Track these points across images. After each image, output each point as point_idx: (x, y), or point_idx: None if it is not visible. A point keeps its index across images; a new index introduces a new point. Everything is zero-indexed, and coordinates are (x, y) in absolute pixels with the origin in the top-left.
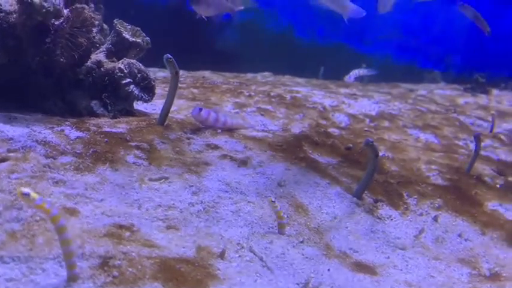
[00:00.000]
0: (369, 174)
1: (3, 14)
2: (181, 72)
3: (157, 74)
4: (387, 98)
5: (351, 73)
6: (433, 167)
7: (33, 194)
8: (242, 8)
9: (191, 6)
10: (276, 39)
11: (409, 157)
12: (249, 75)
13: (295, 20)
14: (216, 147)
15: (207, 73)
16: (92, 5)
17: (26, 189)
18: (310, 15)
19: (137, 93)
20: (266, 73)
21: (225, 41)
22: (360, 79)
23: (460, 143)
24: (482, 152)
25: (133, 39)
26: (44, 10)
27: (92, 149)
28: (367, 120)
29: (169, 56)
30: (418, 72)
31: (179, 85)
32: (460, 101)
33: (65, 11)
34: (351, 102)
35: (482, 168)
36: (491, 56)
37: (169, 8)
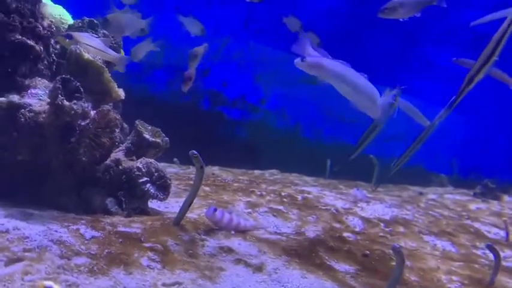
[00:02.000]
0: (393, 282)
1: (32, 114)
2: (191, 169)
3: (167, 170)
4: (399, 201)
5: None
6: (454, 278)
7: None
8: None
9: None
10: (284, 138)
11: (428, 266)
12: (257, 172)
13: (302, 119)
14: (229, 250)
15: (215, 169)
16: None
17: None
18: (316, 115)
19: (153, 191)
20: (274, 171)
21: (235, 138)
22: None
23: (479, 252)
24: (503, 263)
25: (153, 140)
26: (73, 112)
27: (106, 250)
28: (382, 224)
29: (195, 152)
30: (425, 175)
31: (191, 183)
32: (472, 206)
33: (92, 112)
34: (364, 206)
35: (506, 281)
36: (498, 160)
37: (185, 105)
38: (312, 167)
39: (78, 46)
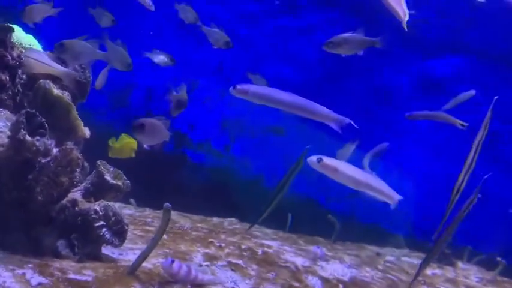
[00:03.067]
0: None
1: None
2: (147, 211)
3: (123, 211)
4: (357, 262)
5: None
6: None
7: None
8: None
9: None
10: (245, 187)
11: None
12: (216, 220)
13: (265, 169)
14: None
15: (174, 214)
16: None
17: None
18: (279, 166)
19: (108, 237)
20: (233, 219)
21: (196, 182)
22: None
23: None
24: None
25: (114, 182)
26: (35, 148)
27: None
28: (341, 286)
29: (169, 205)
30: (382, 234)
31: (147, 228)
32: (428, 272)
33: (54, 150)
34: (323, 264)
35: None
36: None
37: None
38: (272, 218)
39: (48, 81)
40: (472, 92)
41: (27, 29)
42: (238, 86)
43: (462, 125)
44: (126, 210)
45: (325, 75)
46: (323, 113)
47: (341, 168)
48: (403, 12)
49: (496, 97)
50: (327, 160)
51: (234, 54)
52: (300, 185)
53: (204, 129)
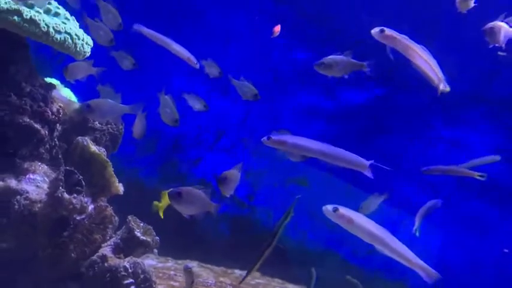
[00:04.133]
0: None
1: (28, 201)
2: (170, 262)
3: (146, 262)
4: None
5: None
6: None
7: None
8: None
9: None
10: (267, 237)
11: None
12: (237, 272)
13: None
14: None
15: (194, 265)
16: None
17: None
18: (303, 217)
19: None
20: (255, 273)
21: (218, 232)
22: None
23: None
24: None
25: (144, 238)
26: (72, 207)
27: None
28: None
29: (189, 266)
30: None
31: (172, 284)
32: None
33: (90, 207)
34: None
35: None
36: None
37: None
38: (295, 272)
39: (86, 138)
40: (497, 158)
41: (63, 81)
42: (274, 137)
43: (481, 177)
44: (148, 261)
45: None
46: (357, 161)
47: (357, 220)
48: (437, 80)
49: None
50: (342, 210)
51: (259, 105)
52: (320, 237)
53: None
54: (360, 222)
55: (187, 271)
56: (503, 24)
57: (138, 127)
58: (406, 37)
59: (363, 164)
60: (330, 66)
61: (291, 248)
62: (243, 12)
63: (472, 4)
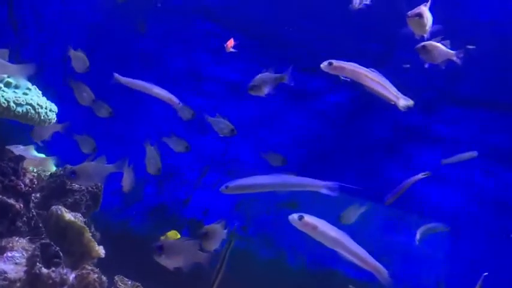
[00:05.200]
0: None
1: (7, 282)
2: None
3: None
4: None
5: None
6: None
7: None
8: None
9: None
10: (268, 267)
11: None
12: None
13: (286, 246)
14: None
15: None
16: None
17: None
18: (300, 241)
19: None
20: None
21: (207, 265)
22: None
23: None
24: None
25: None
26: (51, 281)
27: None
28: None
29: None
30: None
31: None
32: None
33: (71, 278)
34: None
35: None
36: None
37: None
38: None
39: (60, 207)
40: (474, 154)
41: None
42: (230, 184)
43: (425, 175)
44: None
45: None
46: (313, 184)
47: (321, 227)
48: (394, 97)
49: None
50: (307, 218)
51: (238, 137)
52: (320, 258)
53: (218, 213)
54: (323, 229)
55: None
56: (437, 44)
57: (127, 181)
58: (354, 64)
59: (318, 185)
60: (259, 87)
61: (293, 273)
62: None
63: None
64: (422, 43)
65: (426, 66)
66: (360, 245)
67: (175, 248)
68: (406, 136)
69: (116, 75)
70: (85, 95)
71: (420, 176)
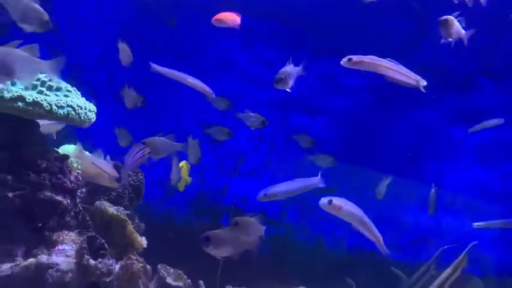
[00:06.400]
0: None
1: (59, 273)
2: None
3: None
4: None
5: None
6: None
7: None
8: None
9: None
10: (306, 252)
11: None
12: None
13: (324, 231)
14: None
15: None
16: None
17: None
18: (337, 225)
19: None
20: (301, 287)
21: (260, 256)
22: None
23: None
24: None
25: (176, 284)
26: (98, 272)
27: None
28: None
29: None
30: (457, 279)
31: None
32: None
33: (116, 268)
34: None
35: None
36: None
37: (206, 224)
38: (338, 280)
39: (103, 202)
40: (501, 121)
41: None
42: (262, 193)
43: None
44: None
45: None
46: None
47: (345, 206)
48: (414, 81)
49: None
50: (335, 201)
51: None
52: (357, 241)
53: (256, 200)
54: (346, 208)
55: None
56: (456, 21)
57: (175, 173)
58: (372, 56)
59: (315, 183)
60: (285, 79)
61: (333, 258)
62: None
63: None
64: (445, 16)
65: (442, 41)
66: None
67: (222, 237)
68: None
69: (153, 64)
70: (134, 101)
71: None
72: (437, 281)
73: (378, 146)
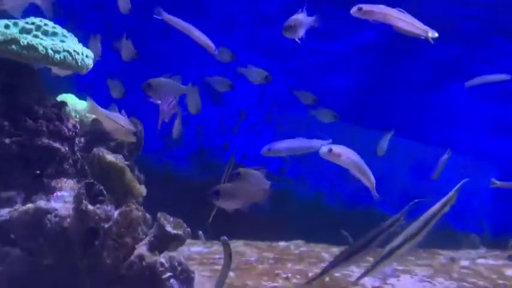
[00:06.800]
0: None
1: (58, 218)
2: (215, 246)
3: (192, 249)
4: (430, 273)
5: None
6: None
7: None
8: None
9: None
10: (306, 207)
11: None
12: (282, 245)
13: (323, 186)
14: None
15: (240, 244)
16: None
17: None
18: (336, 181)
19: (177, 287)
20: (299, 241)
21: (258, 209)
22: None
23: None
24: None
25: (175, 232)
26: (97, 217)
27: None
28: None
29: (226, 238)
30: (454, 236)
31: (215, 268)
32: (508, 272)
33: (115, 214)
34: (394, 282)
35: None
36: None
37: (207, 180)
38: (337, 233)
39: (101, 149)
40: (507, 76)
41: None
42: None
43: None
44: (195, 248)
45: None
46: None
47: (344, 153)
48: (423, 31)
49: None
50: (335, 148)
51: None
52: (357, 196)
53: (256, 156)
54: (345, 155)
55: (225, 243)
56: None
57: (177, 126)
58: (382, 6)
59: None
60: (294, 28)
61: (332, 212)
62: None
63: None
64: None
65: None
66: None
67: (231, 190)
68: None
69: (161, 10)
70: (131, 54)
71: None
72: (423, 217)
73: (383, 105)
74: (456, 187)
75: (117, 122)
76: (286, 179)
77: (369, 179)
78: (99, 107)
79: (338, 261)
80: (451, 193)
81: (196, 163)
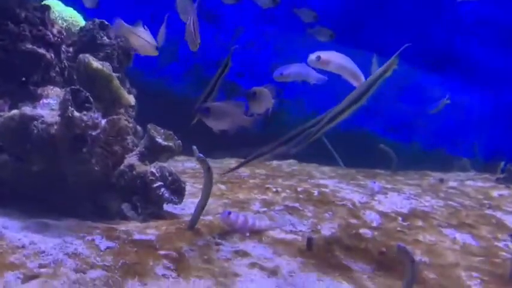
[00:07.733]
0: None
1: (44, 125)
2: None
3: (186, 165)
4: (417, 191)
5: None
6: (473, 274)
7: None
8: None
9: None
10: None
11: (447, 262)
12: (275, 163)
13: (319, 107)
14: (244, 254)
15: (233, 162)
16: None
17: None
18: (333, 101)
19: (167, 196)
20: (292, 161)
21: (252, 128)
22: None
23: (500, 245)
24: None
25: (166, 143)
26: (83, 124)
27: (121, 261)
28: (400, 218)
29: (201, 155)
30: (447, 159)
31: None
32: (494, 193)
33: (103, 122)
34: (381, 198)
35: None
36: None
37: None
38: (329, 155)
39: (87, 55)
40: None
41: (66, 2)
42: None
43: None
44: (188, 164)
45: None
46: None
47: (334, 59)
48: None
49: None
50: (323, 55)
51: None
52: (352, 119)
53: (253, 76)
54: (335, 61)
55: (200, 160)
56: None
57: (161, 35)
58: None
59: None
60: None
61: (325, 136)
62: None
63: None
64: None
65: None
66: None
67: (222, 110)
68: None
69: None
70: None
71: None
72: (366, 82)
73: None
74: (397, 52)
75: (144, 37)
76: (282, 101)
77: (361, 82)
78: (125, 24)
79: (260, 154)
80: (392, 58)
81: (190, 80)
